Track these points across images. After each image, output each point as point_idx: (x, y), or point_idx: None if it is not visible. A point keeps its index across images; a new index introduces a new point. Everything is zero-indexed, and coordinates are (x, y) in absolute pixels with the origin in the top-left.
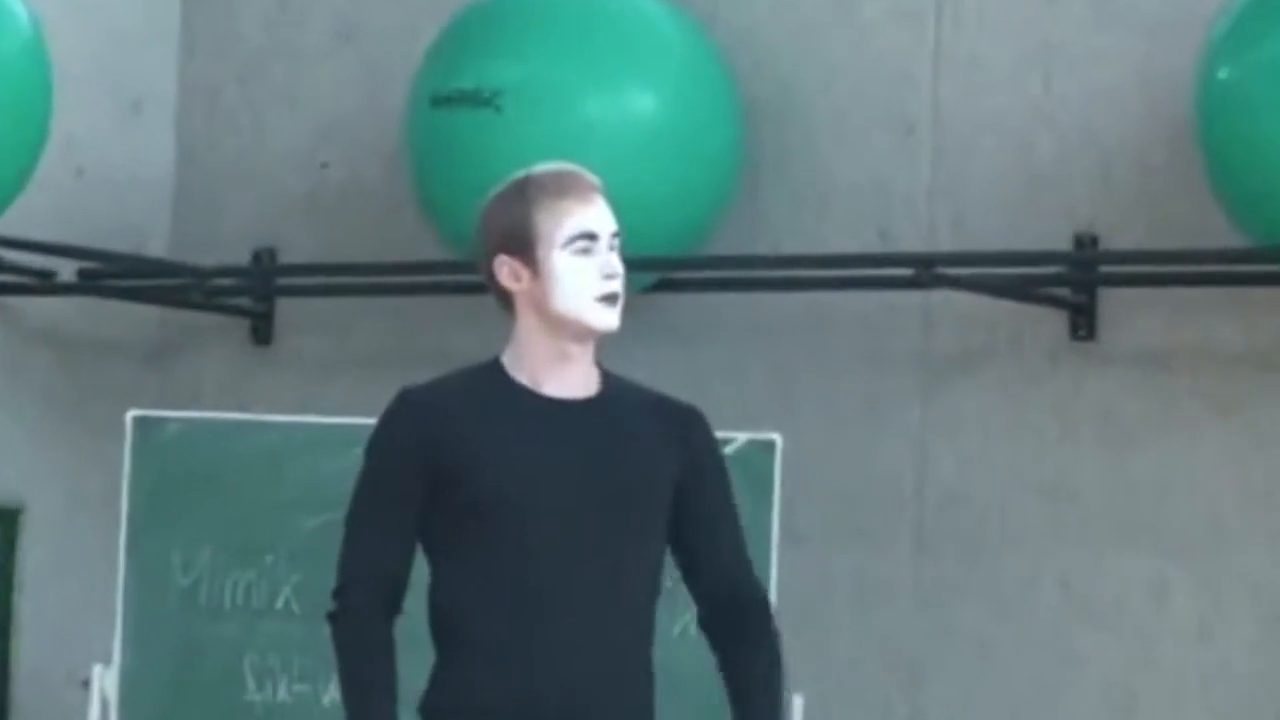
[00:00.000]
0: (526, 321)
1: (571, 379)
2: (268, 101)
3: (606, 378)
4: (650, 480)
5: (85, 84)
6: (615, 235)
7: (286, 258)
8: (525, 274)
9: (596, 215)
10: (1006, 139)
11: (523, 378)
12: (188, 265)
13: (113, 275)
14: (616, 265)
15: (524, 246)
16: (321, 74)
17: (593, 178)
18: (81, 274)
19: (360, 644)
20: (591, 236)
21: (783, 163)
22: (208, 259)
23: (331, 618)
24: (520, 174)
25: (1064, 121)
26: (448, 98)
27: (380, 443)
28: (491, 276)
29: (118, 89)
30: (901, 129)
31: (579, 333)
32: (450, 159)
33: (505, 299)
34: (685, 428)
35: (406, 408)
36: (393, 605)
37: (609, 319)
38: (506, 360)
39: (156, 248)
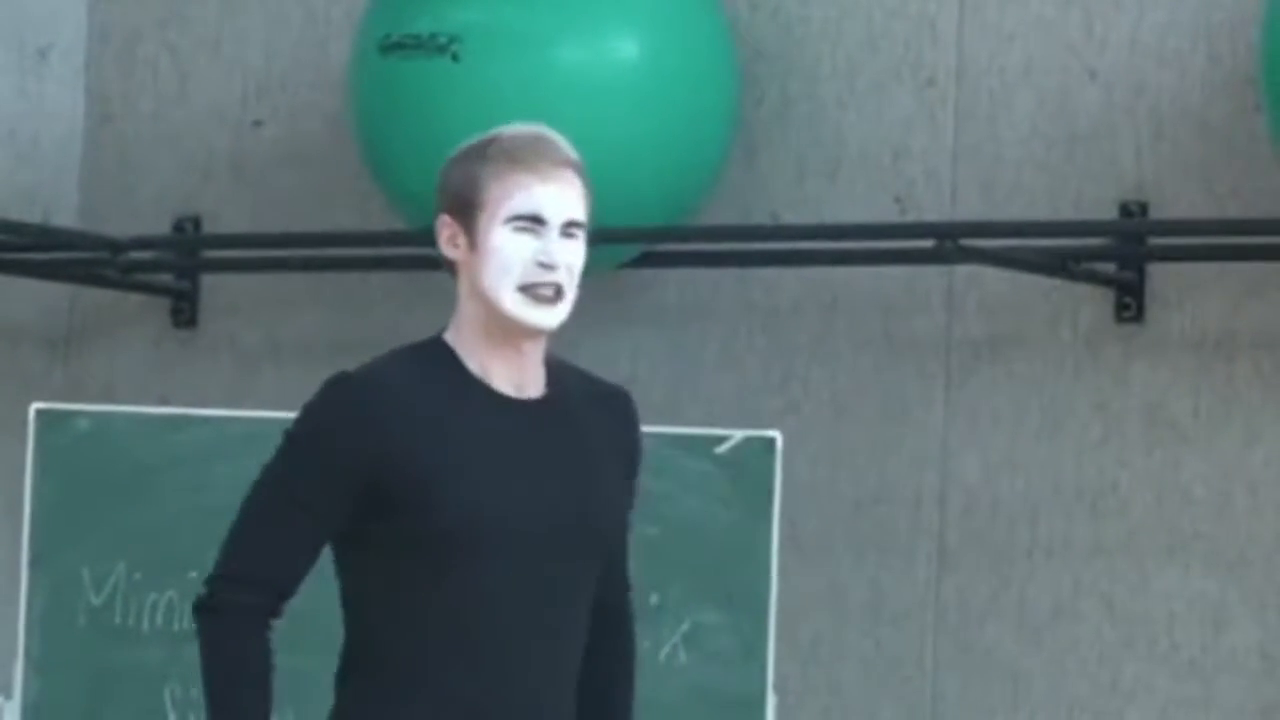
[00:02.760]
0: (463, 297)
1: (520, 373)
2: (192, 49)
3: (550, 369)
4: (615, 514)
5: None
6: (573, 225)
7: (213, 228)
8: (463, 242)
9: (554, 197)
10: (1042, 92)
11: (472, 365)
12: (100, 236)
13: (13, 248)
14: (559, 257)
15: (468, 211)
16: (254, 17)
17: (569, 152)
18: None
19: (240, 659)
20: (538, 220)
21: (784, 119)
22: (123, 229)
23: (203, 611)
24: (493, 131)
25: (1109, 72)
26: (399, 44)
27: (306, 438)
28: (436, 236)
29: (18, 34)
30: (921, 80)
31: (504, 324)
32: (402, 115)
33: (450, 266)
34: (627, 423)
35: (347, 405)
36: (276, 613)
37: (529, 314)
38: (451, 339)
39: (64, 217)
